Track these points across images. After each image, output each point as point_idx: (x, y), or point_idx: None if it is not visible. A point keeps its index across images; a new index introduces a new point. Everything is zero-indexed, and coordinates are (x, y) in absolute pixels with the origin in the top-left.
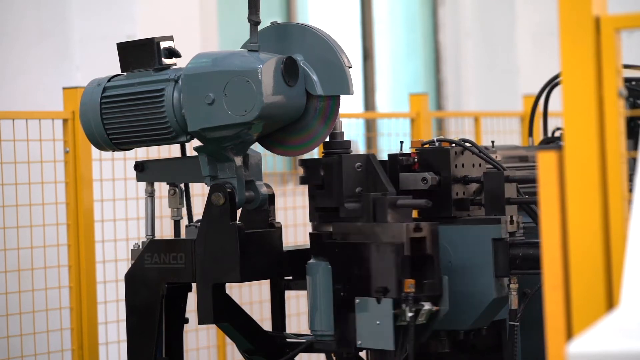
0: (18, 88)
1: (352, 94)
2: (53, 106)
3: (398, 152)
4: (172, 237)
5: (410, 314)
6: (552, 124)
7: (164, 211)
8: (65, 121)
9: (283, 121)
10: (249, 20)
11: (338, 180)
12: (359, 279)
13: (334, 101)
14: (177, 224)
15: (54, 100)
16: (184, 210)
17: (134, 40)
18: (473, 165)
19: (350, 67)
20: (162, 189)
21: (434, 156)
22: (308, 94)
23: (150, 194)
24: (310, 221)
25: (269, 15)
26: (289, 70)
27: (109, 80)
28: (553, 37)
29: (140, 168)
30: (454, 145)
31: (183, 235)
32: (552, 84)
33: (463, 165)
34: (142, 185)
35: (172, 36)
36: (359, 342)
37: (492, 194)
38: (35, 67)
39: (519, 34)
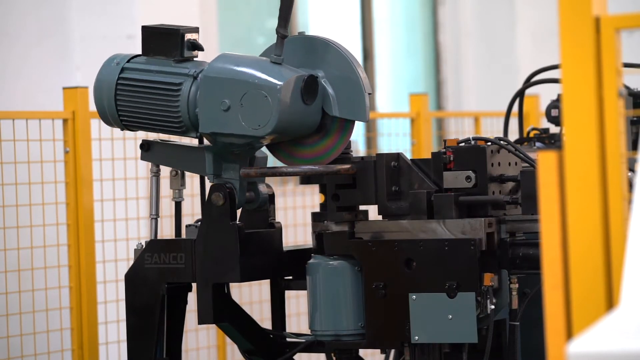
0: (18, 88)
1: (367, 121)
2: (53, 106)
3: (441, 151)
4: (172, 237)
5: (491, 307)
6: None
7: (165, 211)
8: (65, 121)
9: (295, 135)
10: (277, 32)
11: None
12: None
13: (348, 124)
14: (178, 206)
15: (54, 100)
16: (185, 192)
17: (159, 27)
18: (509, 164)
19: (369, 94)
20: (162, 189)
21: (470, 155)
22: (323, 110)
23: (155, 174)
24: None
25: (269, 15)
26: (309, 89)
27: (128, 61)
28: (553, 37)
29: (146, 147)
30: (490, 143)
31: (184, 231)
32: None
33: (499, 164)
34: (143, 185)
35: (197, 28)
36: (416, 337)
37: (529, 193)
38: (35, 67)
39: (519, 34)
